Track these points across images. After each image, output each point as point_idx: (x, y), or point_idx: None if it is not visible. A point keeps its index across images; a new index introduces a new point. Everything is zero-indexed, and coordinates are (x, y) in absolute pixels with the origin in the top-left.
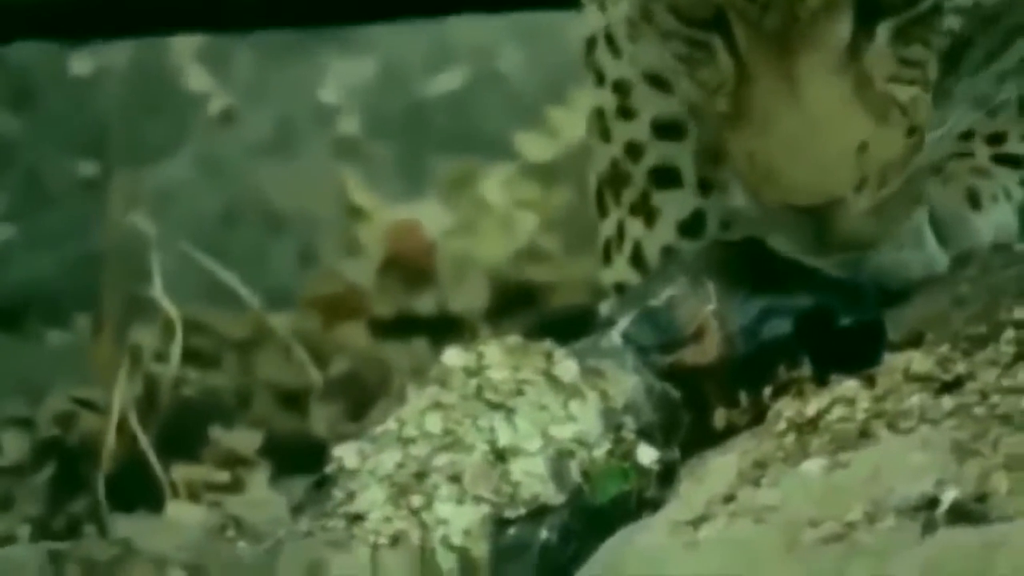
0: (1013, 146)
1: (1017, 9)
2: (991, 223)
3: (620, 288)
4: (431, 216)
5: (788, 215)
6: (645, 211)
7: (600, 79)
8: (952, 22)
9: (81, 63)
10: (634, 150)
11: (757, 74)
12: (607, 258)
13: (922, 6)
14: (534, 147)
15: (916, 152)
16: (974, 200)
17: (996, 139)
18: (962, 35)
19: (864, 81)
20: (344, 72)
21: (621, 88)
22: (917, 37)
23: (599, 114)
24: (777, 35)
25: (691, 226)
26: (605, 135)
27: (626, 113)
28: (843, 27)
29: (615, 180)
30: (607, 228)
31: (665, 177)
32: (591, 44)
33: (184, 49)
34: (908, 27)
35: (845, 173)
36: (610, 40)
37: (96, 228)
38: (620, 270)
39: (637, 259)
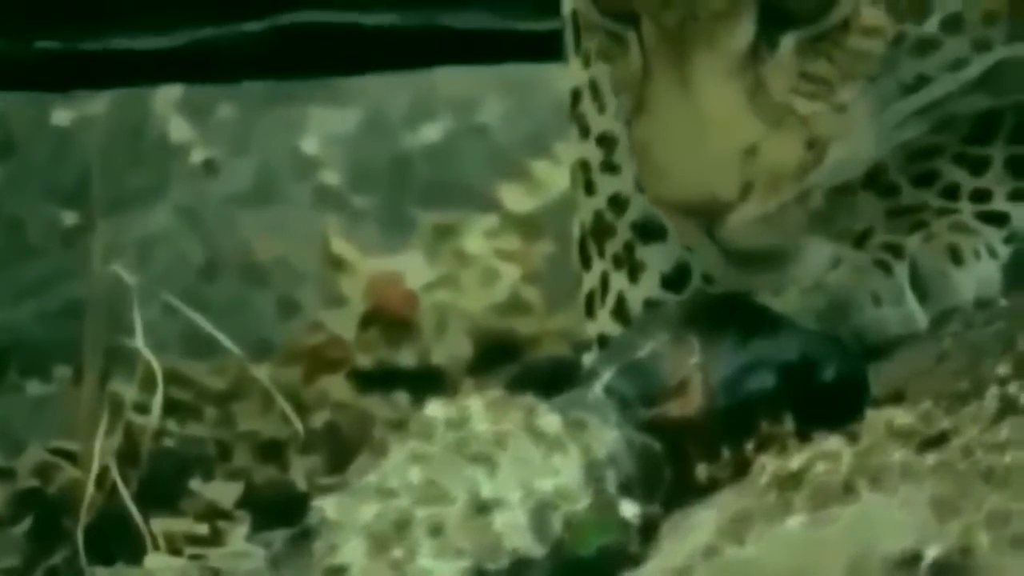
0: (999, 204)
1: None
2: (973, 279)
3: (603, 341)
4: (413, 268)
5: (680, 218)
6: (629, 264)
7: (585, 132)
8: (866, 44)
9: (62, 113)
10: (618, 203)
11: (657, 69)
12: (590, 311)
13: (828, 22)
14: (517, 199)
15: (815, 166)
16: (956, 257)
17: (981, 196)
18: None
19: (760, 88)
20: (326, 123)
21: (606, 142)
22: (822, 52)
23: (584, 167)
24: (676, 32)
25: (675, 279)
26: (589, 188)
27: (611, 167)
28: (743, 32)
29: (599, 232)
30: (590, 280)
31: (649, 231)
32: (576, 97)
33: (165, 100)
34: (813, 41)
35: (727, 175)
36: (595, 93)
37: (77, 278)
38: (603, 323)
39: (620, 312)
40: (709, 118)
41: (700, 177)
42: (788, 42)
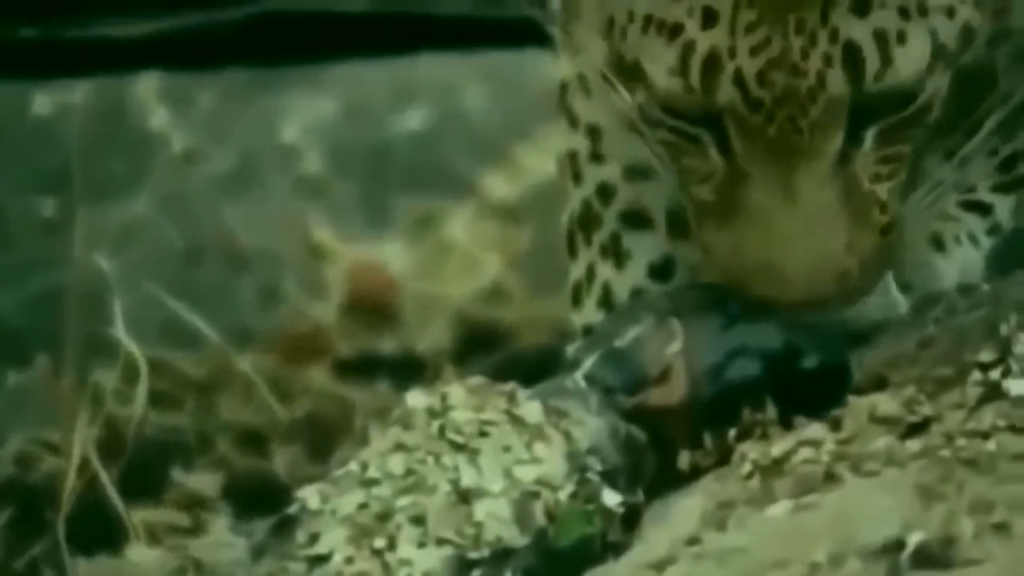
0: (982, 195)
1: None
2: (955, 265)
3: (588, 331)
4: (394, 255)
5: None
6: (615, 253)
7: (573, 123)
8: (938, 111)
9: (42, 102)
10: (605, 192)
11: (752, 175)
12: (576, 301)
13: (912, 108)
14: (499, 186)
15: (893, 248)
16: (938, 243)
17: (964, 187)
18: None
19: (852, 184)
20: (306, 110)
21: (594, 133)
22: (902, 137)
23: (572, 157)
24: (777, 143)
25: (661, 269)
26: (577, 178)
27: (598, 157)
28: (838, 137)
29: (586, 222)
30: (577, 270)
31: (635, 220)
32: (564, 88)
33: (146, 88)
34: (894, 128)
35: (829, 274)
36: (583, 85)
37: (57, 267)
38: (589, 313)
39: (606, 301)
40: (813, 225)
41: (813, 277)
42: (870, 134)
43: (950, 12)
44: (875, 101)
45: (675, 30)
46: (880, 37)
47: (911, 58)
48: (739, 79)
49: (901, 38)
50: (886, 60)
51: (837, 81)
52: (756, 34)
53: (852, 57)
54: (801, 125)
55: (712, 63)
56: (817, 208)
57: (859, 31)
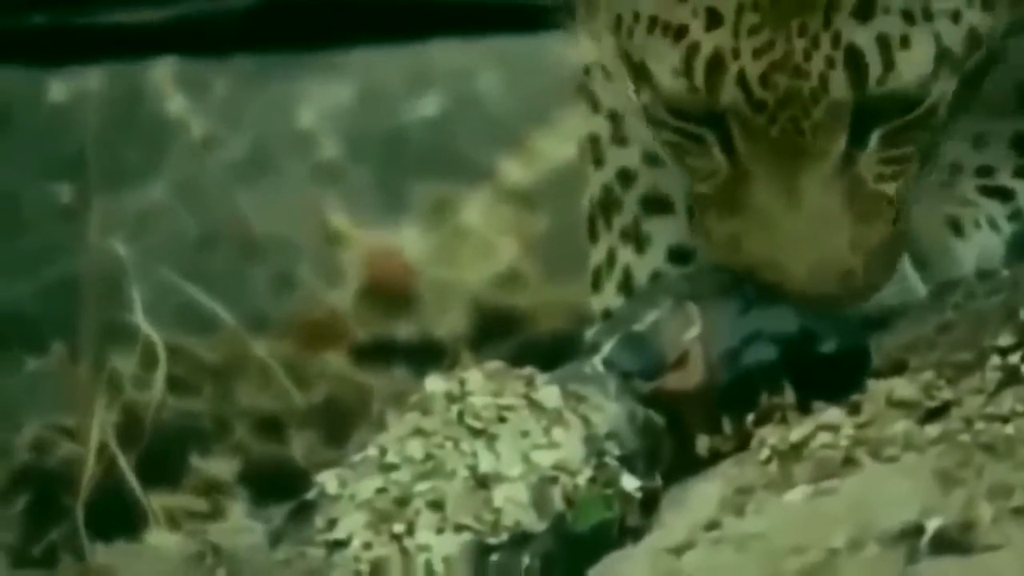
0: (1004, 180)
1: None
2: (973, 250)
3: (608, 315)
4: (411, 241)
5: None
6: (636, 237)
7: (595, 107)
8: (944, 110)
9: (58, 88)
10: (626, 176)
11: (755, 175)
12: (596, 285)
13: (918, 111)
14: (514, 171)
15: (902, 236)
16: (956, 228)
17: (984, 172)
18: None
19: (857, 185)
20: (322, 96)
21: (614, 117)
22: (907, 139)
23: (594, 141)
24: (780, 144)
25: (681, 253)
26: (599, 162)
27: (620, 140)
28: (842, 139)
29: (607, 206)
30: (597, 255)
31: (656, 204)
32: (587, 72)
33: (161, 74)
34: (899, 131)
35: (834, 273)
36: (606, 70)
37: (73, 253)
38: (609, 297)
39: (626, 285)
40: (816, 225)
41: (817, 275)
42: (875, 137)
43: (956, 17)
44: (878, 104)
45: (680, 31)
46: (883, 42)
47: (914, 63)
48: (742, 80)
49: (904, 43)
50: (888, 64)
51: (839, 84)
52: (759, 36)
53: (854, 61)
54: (803, 127)
55: (716, 64)
56: (820, 209)
57: (861, 35)
